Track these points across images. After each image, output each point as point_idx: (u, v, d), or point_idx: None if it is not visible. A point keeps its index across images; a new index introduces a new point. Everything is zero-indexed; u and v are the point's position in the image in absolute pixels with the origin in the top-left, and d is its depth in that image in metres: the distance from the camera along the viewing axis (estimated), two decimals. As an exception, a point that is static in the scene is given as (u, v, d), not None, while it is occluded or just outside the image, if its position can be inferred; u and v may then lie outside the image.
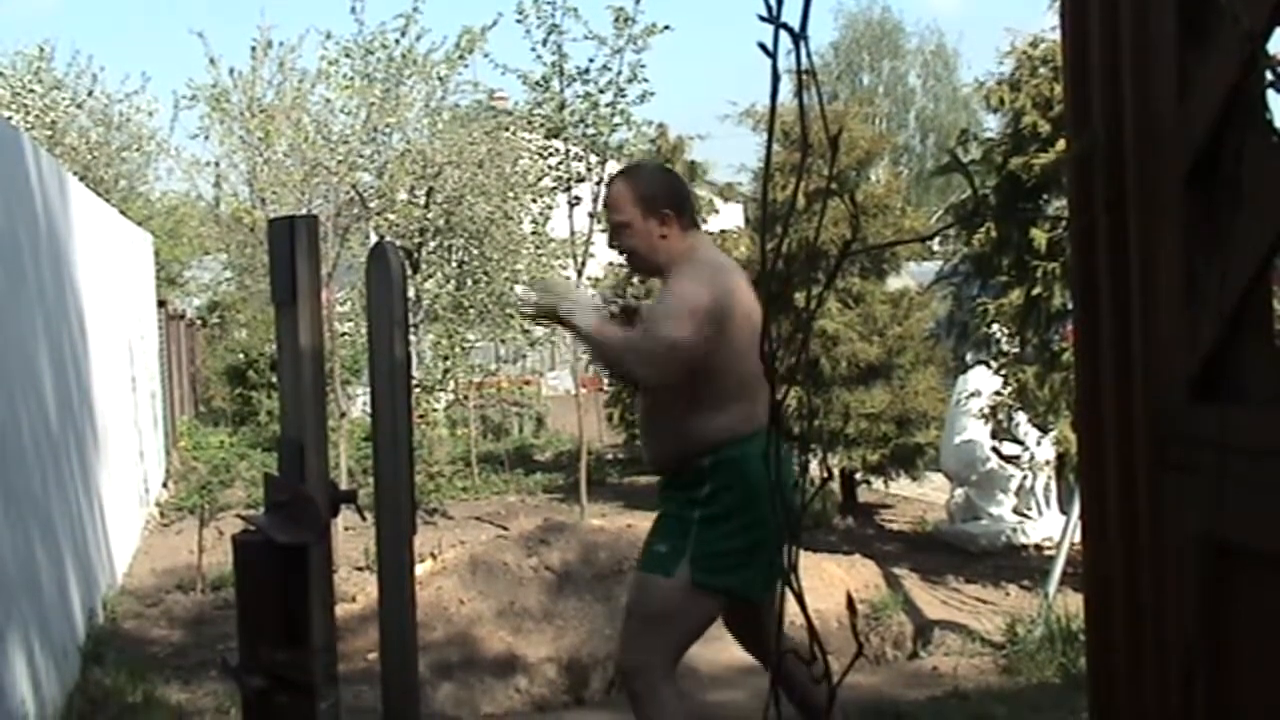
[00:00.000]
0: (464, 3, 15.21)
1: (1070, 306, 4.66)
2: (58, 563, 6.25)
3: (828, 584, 7.14)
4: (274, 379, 13.21)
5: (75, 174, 10.70)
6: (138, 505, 10.32)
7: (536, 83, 10.65)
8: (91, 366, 7.80)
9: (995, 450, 9.57)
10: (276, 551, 2.25)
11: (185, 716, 5.92)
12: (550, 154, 11.44)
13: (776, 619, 1.40)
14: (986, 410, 8.84)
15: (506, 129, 13.40)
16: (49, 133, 15.90)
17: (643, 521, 8.84)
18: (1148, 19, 1.77)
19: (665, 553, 3.86)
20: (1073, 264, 2.01)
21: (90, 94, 17.67)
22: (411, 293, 12.45)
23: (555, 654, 6.59)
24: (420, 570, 7.37)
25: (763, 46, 1.16)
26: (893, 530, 10.55)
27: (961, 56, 47.06)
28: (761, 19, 1.16)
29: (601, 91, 10.47)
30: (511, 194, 13.65)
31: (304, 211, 9.78)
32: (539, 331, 15.33)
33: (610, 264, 13.82)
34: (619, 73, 10.39)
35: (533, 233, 14.16)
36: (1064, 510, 8.39)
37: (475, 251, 14.06)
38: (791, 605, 1.34)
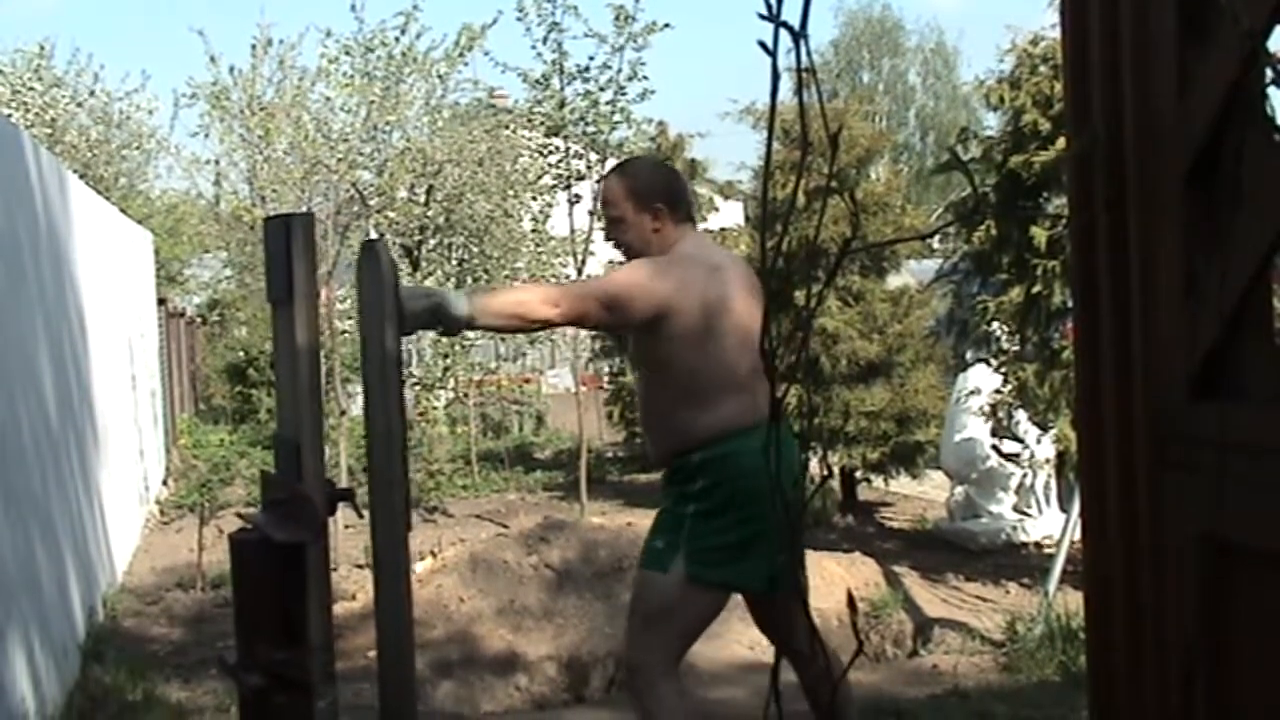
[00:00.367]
0: (464, 1, 15.22)
1: (1070, 304, 4.66)
2: (58, 561, 6.25)
3: (828, 582, 7.14)
4: (274, 377, 13.21)
5: (75, 172, 10.69)
6: (138, 503, 10.32)
7: (537, 81, 10.65)
8: (91, 365, 7.80)
9: (995, 448, 9.57)
10: (273, 550, 2.24)
11: (185, 714, 5.92)
12: (550, 152, 11.44)
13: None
14: (986, 408, 8.84)
15: (507, 127, 13.39)
16: (49, 131, 15.89)
17: (643, 519, 8.84)
18: (1148, 16, 1.77)
19: (661, 548, 3.87)
20: (1073, 262, 2.01)
21: (90, 92, 17.66)
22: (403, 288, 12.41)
23: (555, 652, 6.59)
24: (420, 568, 7.38)
25: (763, 44, 1.16)
26: (893, 528, 10.55)
27: (961, 54, 47.13)
28: (761, 17, 1.15)
29: (602, 89, 10.48)
30: (511, 192, 13.64)
31: (304, 209, 9.77)
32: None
33: (611, 262, 13.82)
34: (619, 70, 10.40)
35: (533, 231, 14.15)
36: (1064, 508, 8.39)
37: (475, 249, 14.05)
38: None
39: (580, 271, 11.20)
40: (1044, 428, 8.42)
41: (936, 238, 12.67)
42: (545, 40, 10.41)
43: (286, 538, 2.24)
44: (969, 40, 53.42)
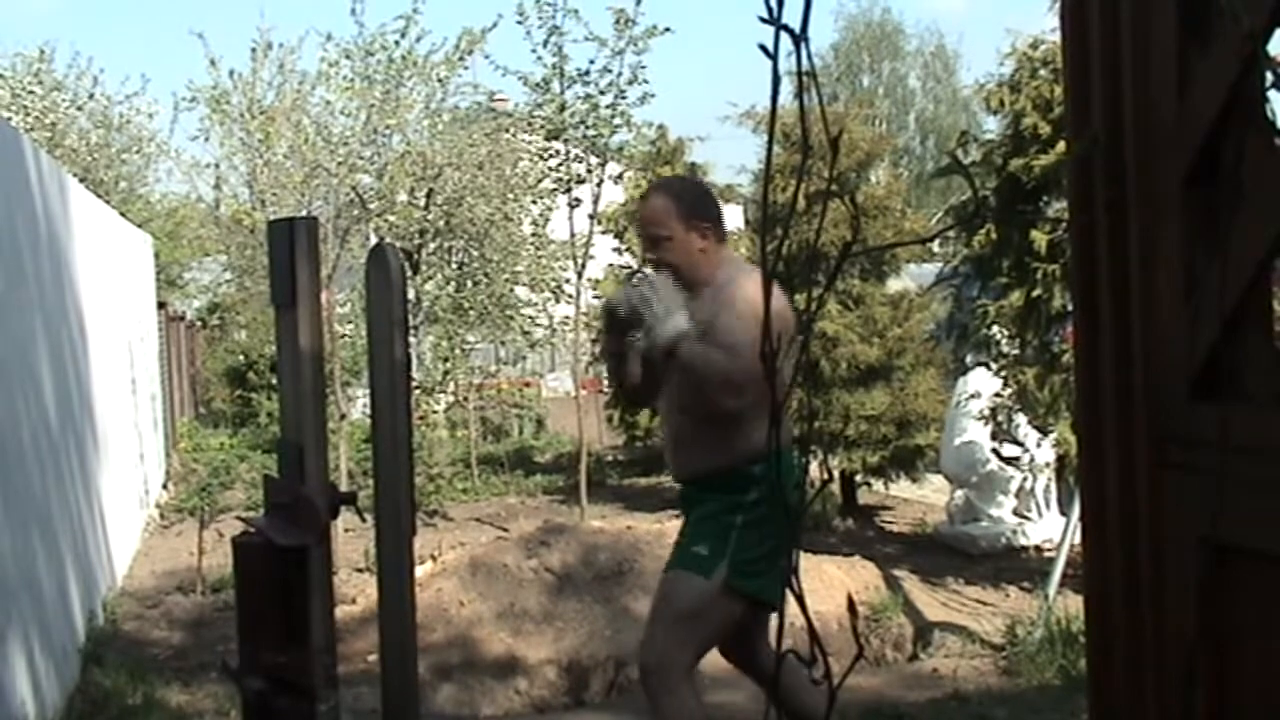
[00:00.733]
0: (464, 4, 15.23)
1: (1070, 308, 4.66)
2: (58, 564, 6.25)
3: (828, 586, 7.14)
4: (274, 380, 13.21)
5: (75, 176, 10.70)
6: (138, 507, 10.32)
7: (537, 84, 10.66)
8: (91, 368, 7.80)
9: (995, 452, 9.57)
10: (276, 553, 2.24)
11: (185, 718, 5.92)
12: (550, 156, 11.44)
13: (775, 626, 1.40)
14: (986, 412, 8.84)
15: (507, 130, 13.41)
16: (49, 135, 15.90)
17: (643, 523, 8.87)
18: (1148, 18, 1.77)
19: (705, 555, 3.90)
20: (1073, 264, 2.01)
21: (90, 96, 17.67)
22: (411, 294, 12.45)
23: (555, 655, 6.59)
24: (420, 572, 7.37)
25: (763, 48, 1.16)
26: (893, 532, 10.54)
27: (962, 58, 47.09)
28: (762, 20, 1.16)
29: (602, 93, 10.48)
30: (511, 195, 13.66)
31: (304, 213, 9.78)
32: (539, 333, 15.33)
33: (610, 266, 13.83)
34: (619, 74, 10.40)
35: (533, 234, 14.16)
36: (1064, 512, 8.39)
37: (475, 253, 14.07)
38: (791, 606, 1.34)
39: (580, 275, 11.21)
40: (1044, 431, 8.42)
41: (937, 241, 12.69)
42: (545, 44, 10.42)
43: (289, 541, 2.24)
44: (969, 44, 53.54)
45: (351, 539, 9.26)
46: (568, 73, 10.52)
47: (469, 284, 13.93)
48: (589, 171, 10.91)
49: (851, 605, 7.27)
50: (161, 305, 14.99)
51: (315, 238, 2.33)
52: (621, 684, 6.43)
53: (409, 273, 12.57)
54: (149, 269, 13.71)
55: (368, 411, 2.55)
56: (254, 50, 11.66)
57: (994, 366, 8.56)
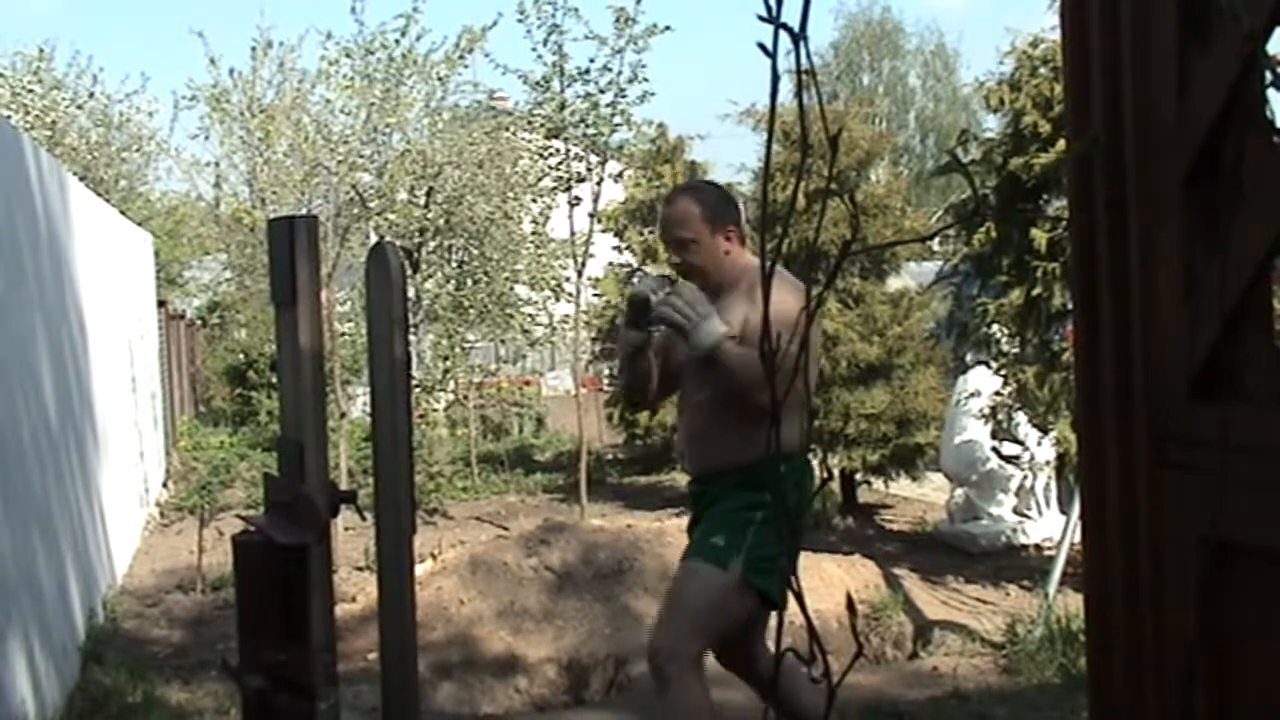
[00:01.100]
0: (464, 3, 15.22)
1: (1070, 306, 4.66)
2: (58, 563, 6.25)
3: (827, 584, 7.14)
4: (274, 379, 13.21)
5: (75, 174, 10.70)
6: (138, 505, 10.32)
7: (537, 83, 10.66)
8: (91, 367, 7.80)
9: (995, 450, 9.57)
10: (276, 552, 2.24)
11: (185, 716, 5.92)
12: (550, 154, 11.45)
13: (774, 625, 1.40)
14: (986, 410, 8.84)
15: (507, 129, 13.40)
16: (49, 133, 15.90)
17: (642, 522, 8.87)
18: (1148, 17, 1.77)
19: (722, 546, 3.92)
20: (1073, 263, 2.01)
21: (90, 94, 17.66)
22: (411, 293, 12.46)
23: (555, 654, 6.59)
24: (420, 570, 7.38)
25: (762, 46, 1.16)
26: (893, 530, 10.55)
27: (961, 56, 47.05)
28: (761, 19, 1.16)
29: (602, 92, 10.48)
30: (511, 194, 13.65)
31: (304, 211, 9.78)
32: (539, 331, 15.34)
33: (610, 264, 13.84)
34: (619, 73, 10.40)
35: (533, 233, 14.16)
36: (1064, 510, 8.39)
37: (475, 251, 14.06)
38: (790, 605, 1.33)
39: (580, 273, 11.21)
40: (1044, 430, 8.42)
41: (936, 240, 12.67)
42: (545, 42, 10.42)
43: (289, 539, 2.24)
44: (969, 42, 53.38)
45: (352, 537, 9.26)
46: (568, 71, 10.52)
47: (469, 282, 13.93)
48: (589, 170, 10.91)
49: (851, 604, 7.19)
50: (161, 303, 14.99)
51: (315, 236, 2.33)
52: (621, 682, 6.44)
53: (409, 271, 12.56)
54: (149, 267, 13.70)
55: (368, 410, 2.55)
56: (254, 49, 11.66)
57: (994, 365, 8.55)
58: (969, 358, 9.72)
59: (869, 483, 11.41)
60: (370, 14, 13.67)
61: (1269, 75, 1.57)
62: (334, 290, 10.58)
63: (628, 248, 13.51)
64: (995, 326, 8.31)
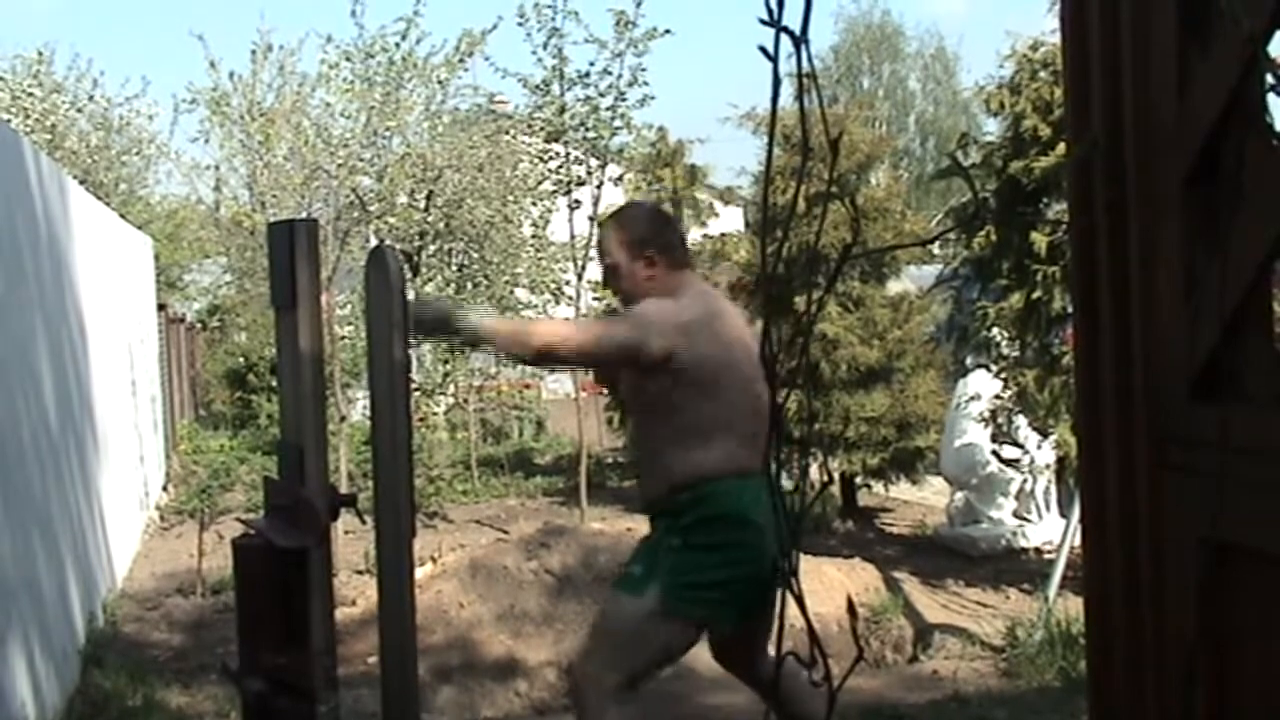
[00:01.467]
0: (464, 6, 15.22)
1: (1070, 310, 4.66)
2: (58, 566, 6.25)
3: (828, 588, 7.14)
4: (274, 382, 13.22)
5: (75, 178, 10.70)
6: (138, 509, 10.31)
7: (537, 86, 10.66)
8: (91, 370, 7.80)
9: (995, 454, 9.58)
10: (276, 555, 2.25)
11: (185, 720, 5.92)
12: (550, 158, 11.45)
13: (772, 632, 1.40)
14: (986, 414, 8.84)
15: (507, 133, 13.40)
16: (49, 136, 15.90)
17: (642, 526, 8.84)
18: (1148, 20, 1.77)
19: (638, 575, 3.89)
20: (1073, 265, 2.01)
21: (90, 98, 17.67)
22: (411, 296, 12.43)
23: (555, 657, 6.59)
24: (420, 574, 7.37)
25: (763, 50, 1.17)
26: (893, 534, 10.55)
27: (962, 60, 47.09)
28: (762, 22, 1.16)
29: (602, 95, 10.49)
30: (511, 198, 13.65)
31: (304, 215, 9.78)
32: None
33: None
34: (619, 76, 10.41)
35: (533, 236, 14.16)
36: (1064, 513, 8.39)
37: (475, 255, 14.06)
38: (791, 608, 1.34)
39: (580, 277, 11.21)
40: (1044, 433, 8.43)
41: (937, 243, 12.68)
42: (546, 46, 10.42)
43: (289, 543, 2.24)
44: (969, 46, 53.50)
45: (351, 541, 9.25)
46: (568, 75, 10.53)
47: (469, 286, 13.93)
48: (589, 173, 10.91)
49: (851, 607, 7.27)
50: (161, 307, 14.98)
51: (315, 240, 2.33)
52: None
53: (409, 275, 12.57)
54: (149, 271, 13.70)
55: (368, 413, 2.56)
56: (254, 52, 11.67)
57: (994, 368, 8.56)
58: (969, 361, 9.72)
59: (869, 486, 11.40)
60: (370, 18, 13.66)
61: (1269, 78, 1.57)
62: (334, 294, 10.58)
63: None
64: (995, 330, 8.32)
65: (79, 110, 17.42)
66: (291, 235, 2.29)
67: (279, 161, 10.46)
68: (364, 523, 2.66)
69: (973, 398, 9.20)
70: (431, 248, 13.86)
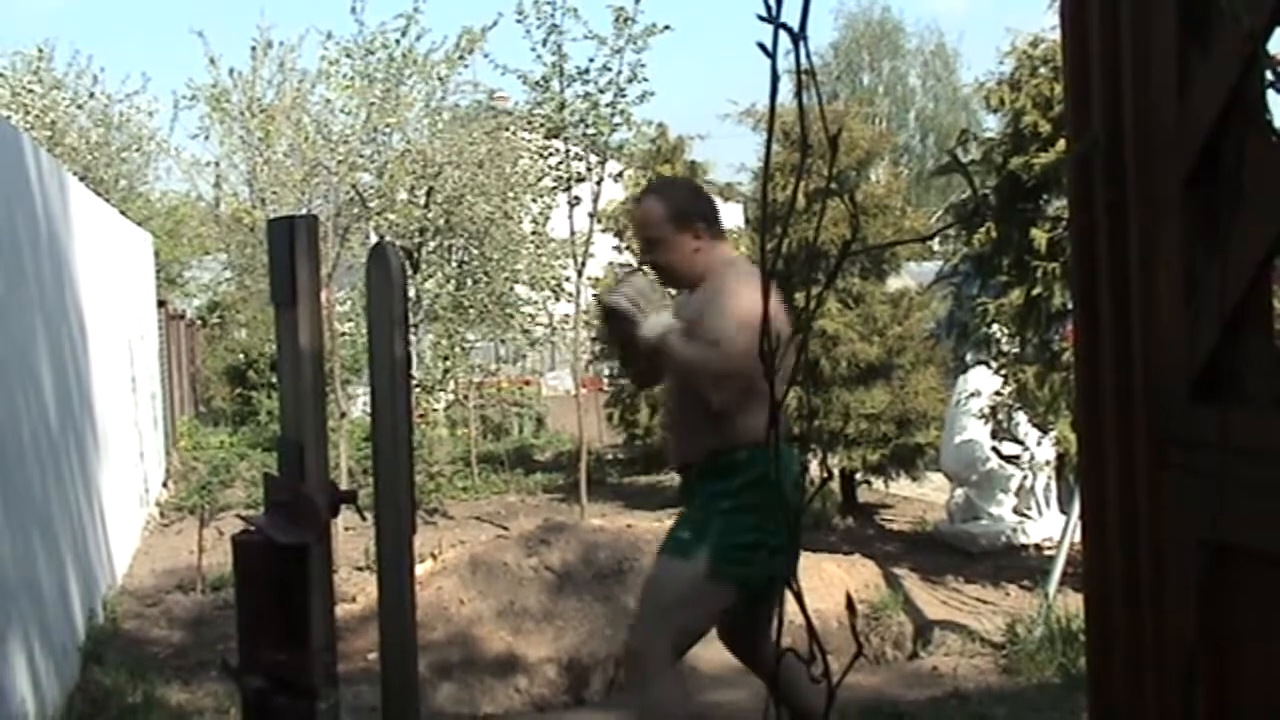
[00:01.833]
0: (464, 3, 15.22)
1: (1070, 306, 4.66)
2: (58, 563, 6.25)
3: (827, 584, 7.14)
4: (274, 379, 13.21)
5: (75, 174, 10.70)
6: (138, 505, 10.32)
7: (536, 83, 10.66)
8: (91, 367, 7.80)
9: (995, 450, 9.57)
10: (276, 552, 2.24)
11: (185, 717, 5.92)
12: (550, 154, 11.44)
13: (776, 621, 1.41)
14: (986, 410, 8.83)
15: (506, 129, 13.40)
16: (49, 133, 15.90)
17: (642, 521, 8.87)
18: (1148, 18, 1.77)
19: (687, 539, 3.94)
20: (1073, 266, 2.01)
21: (90, 94, 17.66)
22: (411, 293, 12.46)
23: (555, 654, 6.59)
24: (420, 570, 7.38)
25: (762, 46, 1.16)
26: (893, 530, 10.54)
27: (962, 56, 47.09)
28: (761, 19, 1.16)
29: (601, 91, 10.48)
30: (511, 194, 13.65)
31: (304, 211, 9.78)
32: (539, 331, 15.35)
33: (610, 264, 13.84)
34: (619, 73, 10.40)
35: (533, 233, 14.17)
36: (1064, 510, 8.39)
37: (475, 251, 14.07)
38: (790, 605, 1.34)
39: (580, 273, 11.21)
40: (1044, 430, 8.42)
41: (936, 240, 12.68)
42: (545, 42, 10.42)
43: (289, 539, 2.24)
44: (969, 42, 53.39)
45: (352, 537, 9.25)
46: (567, 71, 10.52)
47: (469, 282, 13.93)
48: (589, 170, 10.91)
49: (851, 603, 7.20)
50: (161, 303, 14.98)
51: (315, 236, 2.33)
52: (621, 682, 6.43)
53: (409, 271, 12.56)
54: (149, 267, 13.70)
55: (368, 410, 2.55)
56: (254, 48, 11.68)
57: (994, 365, 8.55)
58: (969, 357, 9.71)
59: (869, 482, 11.40)
60: (370, 14, 13.70)
61: (1269, 75, 1.57)
62: (334, 290, 10.58)
63: (628, 247, 13.51)
64: (995, 326, 8.31)
65: (79, 107, 17.41)
66: (291, 232, 2.29)
67: (279, 158, 10.46)
68: (364, 519, 2.66)
69: (973, 394, 9.20)
70: (432, 244, 13.86)
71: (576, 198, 11.09)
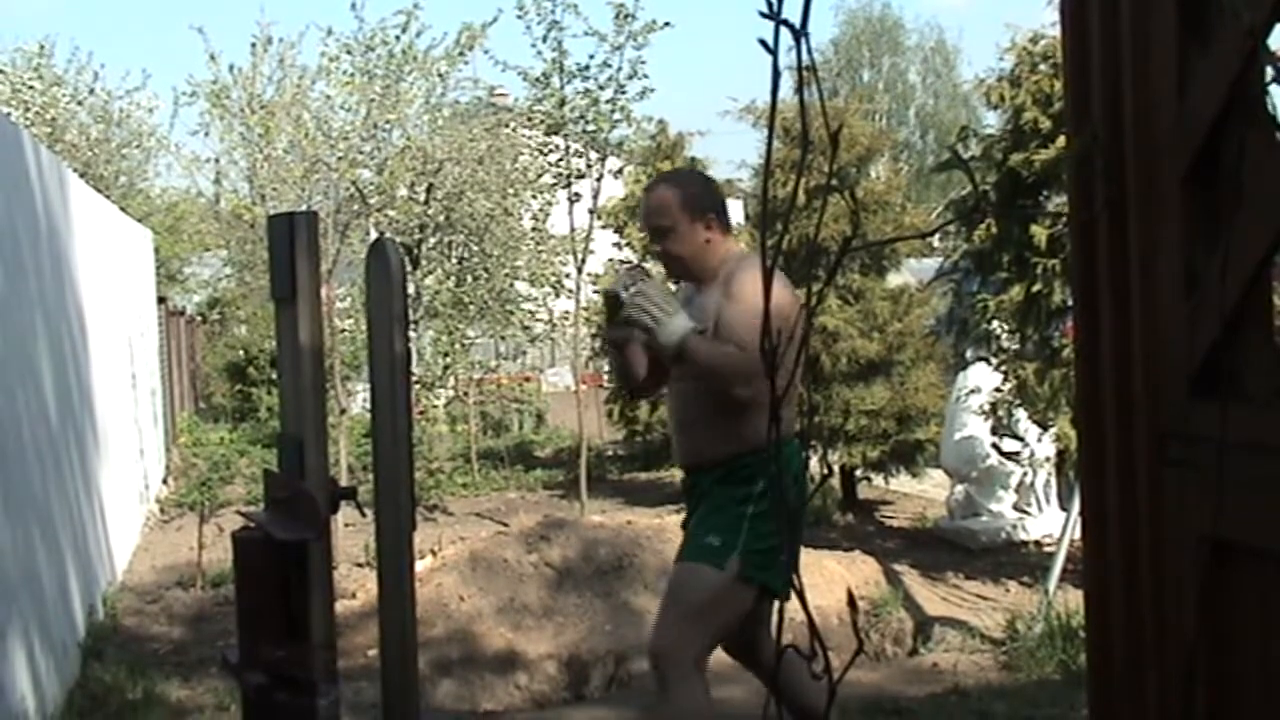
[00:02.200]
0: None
1: (1070, 303, 4.66)
2: (58, 559, 6.25)
3: (828, 580, 7.15)
4: (274, 375, 13.21)
5: (75, 170, 10.69)
6: (138, 502, 10.32)
7: (537, 79, 10.66)
8: (91, 363, 7.80)
9: (995, 447, 9.57)
10: (276, 548, 2.24)
11: (185, 713, 5.92)
12: (550, 150, 11.45)
13: (775, 620, 1.41)
14: (986, 407, 8.83)
15: (507, 125, 13.40)
16: (49, 129, 15.89)
17: (643, 518, 8.87)
18: (1148, 15, 1.77)
19: (718, 545, 3.90)
20: (1073, 261, 2.01)
21: (90, 90, 17.65)
22: (411, 289, 12.46)
23: (555, 650, 6.60)
24: (420, 567, 7.38)
25: (763, 43, 1.16)
26: (893, 527, 10.55)
27: (962, 53, 47.10)
28: (762, 15, 1.16)
29: (601, 88, 10.49)
30: (511, 190, 13.65)
31: (304, 208, 9.77)
32: (539, 328, 15.35)
33: (610, 260, 13.84)
34: (619, 69, 10.41)
35: (533, 229, 14.16)
36: (1064, 507, 8.40)
37: (475, 248, 14.06)
38: (791, 601, 1.34)
39: (580, 270, 11.20)
40: (1044, 426, 8.41)
41: (937, 236, 12.67)
42: (545, 39, 10.42)
43: (289, 536, 2.24)
44: (969, 39, 53.49)
45: (351, 534, 9.26)
46: (567, 68, 10.52)
47: (469, 279, 13.93)
48: (589, 166, 10.91)
49: (851, 600, 7.20)
50: (161, 300, 14.98)
51: (315, 232, 2.33)
52: (621, 679, 6.44)
53: (409, 268, 12.56)
54: (149, 264, 13.70)
55: (368, 406, 2.55)
56: (254, 45, 11.65)
57: (994, 361, 8.55)
58: (969, 354, 9.71)
59: (869, 479, 11.41)
60: (370, 10, 13.70)
61: (1269, 72, 1.57)
62: (334, 286, 10.58)
63: (628, 244, 13.51)
64: (995, 323, 8.31)
65: (79, 103, 17.41)
66: (291, 228, 2.29)
67: (279, 154, 10.45)
68: (364, 515, 2.66)
69: (973, 391, 9.20)
70: (431, 240, 13.85)
71: (576, 194, 11.09)
